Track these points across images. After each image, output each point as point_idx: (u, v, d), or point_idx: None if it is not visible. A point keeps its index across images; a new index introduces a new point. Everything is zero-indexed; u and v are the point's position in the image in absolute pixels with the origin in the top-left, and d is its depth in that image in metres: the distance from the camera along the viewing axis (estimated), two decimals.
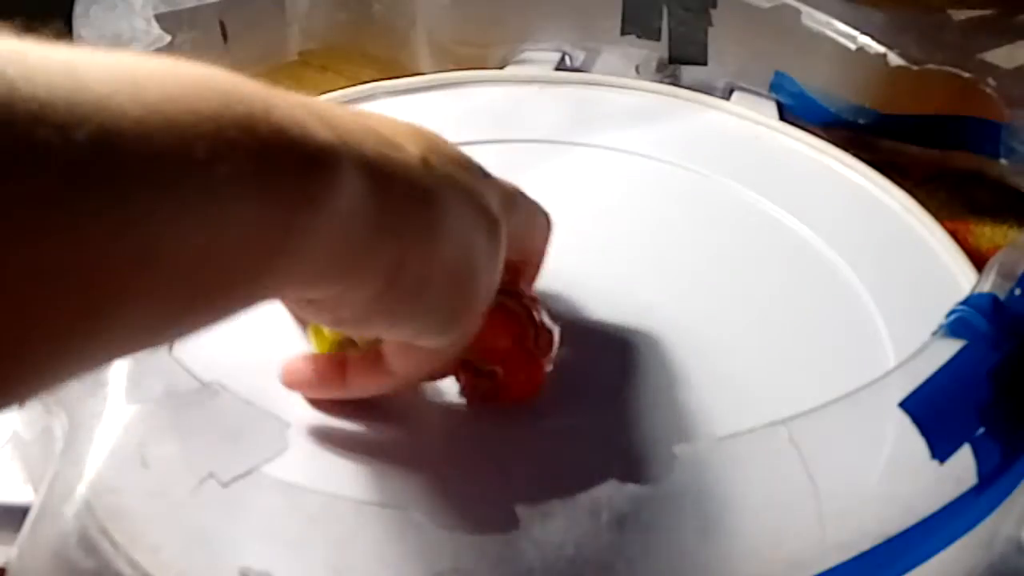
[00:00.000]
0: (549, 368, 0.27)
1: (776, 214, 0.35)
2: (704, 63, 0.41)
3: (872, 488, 0.21)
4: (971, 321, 0.24)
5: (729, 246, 0.34)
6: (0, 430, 0.26)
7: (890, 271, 0.32)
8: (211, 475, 0.21)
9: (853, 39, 0.37)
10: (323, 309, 0.21)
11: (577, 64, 0.43)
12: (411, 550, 0.20)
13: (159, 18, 0.35)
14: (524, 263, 0.27)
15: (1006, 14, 0.38)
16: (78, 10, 0.36)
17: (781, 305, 0.31)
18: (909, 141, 0.40)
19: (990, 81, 0.35)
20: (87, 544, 0.20)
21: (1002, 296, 0.25)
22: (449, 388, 0.28)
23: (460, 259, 0.21)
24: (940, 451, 0.21)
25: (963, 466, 0.22)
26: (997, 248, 0.31)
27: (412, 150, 0.21)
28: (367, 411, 0.28)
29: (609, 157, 0.37)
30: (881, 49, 0.37)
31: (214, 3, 0.38)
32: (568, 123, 0.38)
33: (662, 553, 0.20)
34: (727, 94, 0.41)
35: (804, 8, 0.38)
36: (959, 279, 0.32)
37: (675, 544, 0.20)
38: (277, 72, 0.45)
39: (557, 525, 0.20)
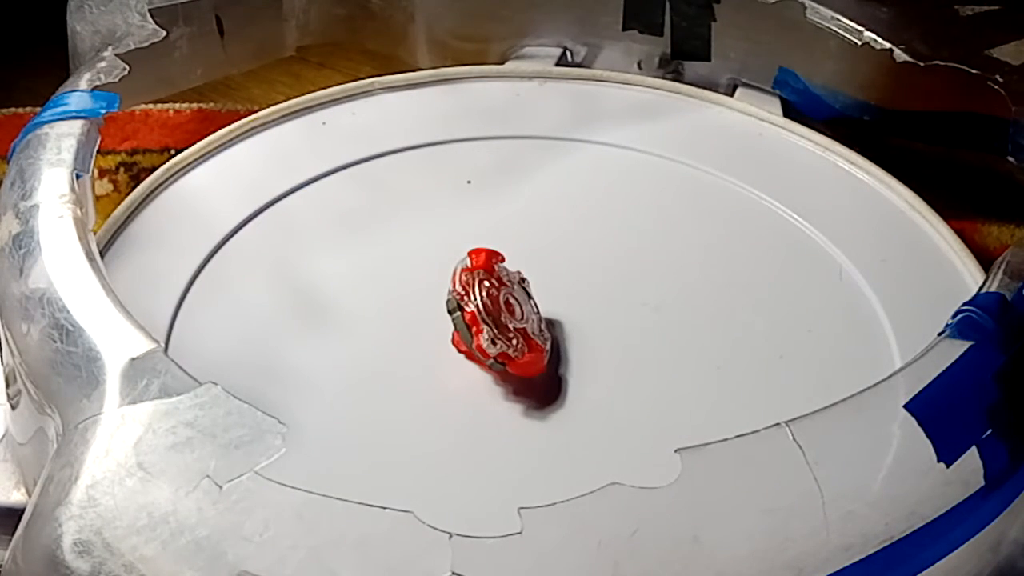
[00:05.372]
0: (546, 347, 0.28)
1: (780, 212, 0.35)
2: (707, 59, 0.41)
3: (877, 491, 0.21)
4: (978, 321, 0.23)
5: (732, 244, 0.33)
6: None
7: (895, 270, 0.32)
8: (207, 477, 0.20)
9: (858, 34, 0.37)
10: None
11: (578, 60, 0.43)
12: (411, 553, 0.20)
13: (154, 13, 0.35)
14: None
15: (1013, 10, 0.38)
16: (72, 5, 0.35)
17: (785, 304, 0.31)
18: (915, 138, 0.40)
19: (997, 77, 0.35)
20: (81, 547, 0.20)
21: (1009, 296, 0.24)
22: (450, 392, 0.28)
23: None
24: (946, 454, 0.21)
25: (970, 468, 0.22)
26: (1004, 247, 0.31)
27: None
28: (366, 413, 0.28)
29: (611, 154, 0.37)
30: (887, 45, 0.36)
31: None
32: (569, 119, 0.38)
33: (664, 556, 0.20)
34: (731, 90, 0.41)
35: (809, 3, 0.38)
36: (965, 278, 0.32)
37: (677, 548, 0.20)
38: (274, 68, 0.45)
39: (559, 527, 0.20)
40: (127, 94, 0.32)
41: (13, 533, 0.21)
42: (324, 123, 0.38)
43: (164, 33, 0.34)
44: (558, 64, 0.42)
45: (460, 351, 0.29)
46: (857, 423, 0.22)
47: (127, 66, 0.32)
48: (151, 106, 0.43)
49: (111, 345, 0.23)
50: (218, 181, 0.35)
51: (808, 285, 0.32)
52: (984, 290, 0.25)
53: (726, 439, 0.21)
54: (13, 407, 0.27)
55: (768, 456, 0.21)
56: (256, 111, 0.37)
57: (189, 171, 0.35)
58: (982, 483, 0.21)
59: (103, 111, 0.31)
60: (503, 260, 0.29)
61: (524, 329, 0.28)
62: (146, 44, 0.34)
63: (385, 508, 0.20)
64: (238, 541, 0.20)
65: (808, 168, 0.37)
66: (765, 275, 0.32)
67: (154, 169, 0.35)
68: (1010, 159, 0.36)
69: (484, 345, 0.27)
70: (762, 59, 0.40)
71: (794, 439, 0.21)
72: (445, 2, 0.42)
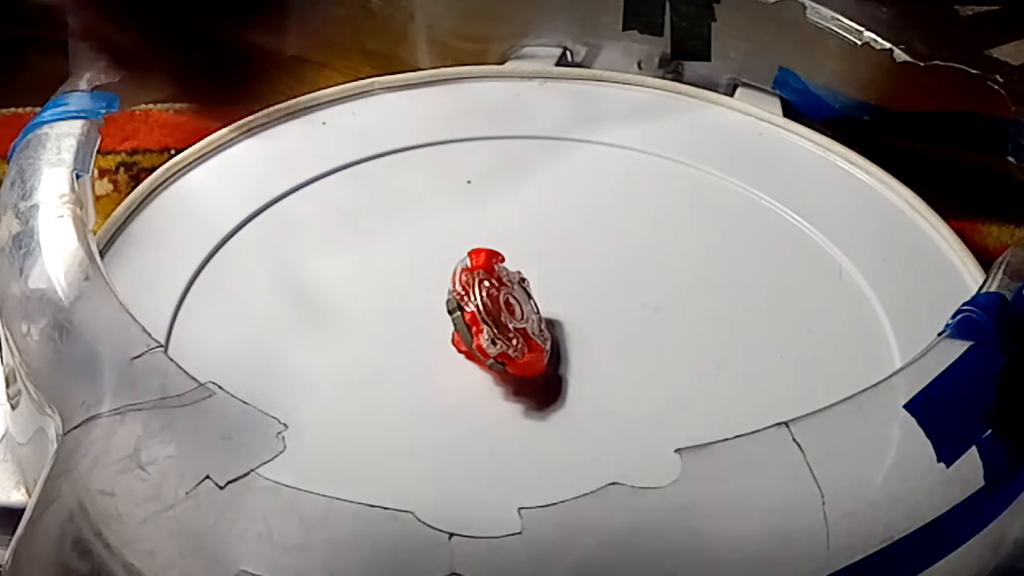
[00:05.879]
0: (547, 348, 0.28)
1: (780, 212, 0.35)
2: (707, 59, 0.41)
3: (877, 491, 0.21)
4: (978, 321, 0.23)
5: (732, 244, 0.33)
6: None
7: (895, 270, 0.32)
8: (207, 477, 0.20)
9: (858, 34, 0.37)
10: None
11: (578, 59, 0.43)
12: (410, 553, 0.20)
13: None
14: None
15: (1013, 10, 0.38)
16: None
17: (785, 304, 0.31)
18: (915, 138, 0.40)
19: (997, 77, 0.35)
20: (81, 547, 0.20)
21: (1009, 296, 0.24)
22: (450, 392, 0.28)
23: None
24: (946, 453, 0.21)
25: (970, 468, 0.22)
26: (1004, 247, 0.31)
27: None
28: (366, 413, 0.28)
29: (611, 154, 0.37)
30: (887, 45, 0.36)
31: None
32: (569, 119, 0.38)
33: (664, 556, 0.20)
34: (731, 90, 0.41)
35: (809, 3, 0.38)
36: (965, 278, 0.32)
37: (677, 547, 0.20)
38: (274, 68, 0.45)
39: (558, 527, 0.20)
40: (127, 94, 0.32)
41: (13, 533, 0.21)
42: (324, 123, 0.38)
43: None
44: (558, 64, 0.42)
45: (460, 351, 0.29)
46: (857, 423, 0.22)
47: None
48: (151, 106, 0.43)
49: (111, 345, 0.23)
50: (218, 181, 0.35)
51: (808, 285, 0.32)
52: (984, 290, 0.25)
53: (726, 439, 0.21)
54: (13, 407, 0.27)
55: (768, 456, 0.21)
56: (256, 111, 0.37)
57: (189, 171, 0.35)
58: (982, 483, 0.21)
59: (103, 111, 0.31)
60: (503, 260, 0.29)
61: (524, 329, 0.28)
62: None
63: (385, 508, 0.20)
64: (238, 541, 0.20)
65: (808, 168, 0.37)
66: (765, 275, 0.32)
67: (154, 169, 0.35)
68: (1010, 159, 0.36)
69: (484, 345, 0.27)
70: (762, 59, 0.40)
71: (794, 439, 0.21)
72: (445, 2, 0.42)
